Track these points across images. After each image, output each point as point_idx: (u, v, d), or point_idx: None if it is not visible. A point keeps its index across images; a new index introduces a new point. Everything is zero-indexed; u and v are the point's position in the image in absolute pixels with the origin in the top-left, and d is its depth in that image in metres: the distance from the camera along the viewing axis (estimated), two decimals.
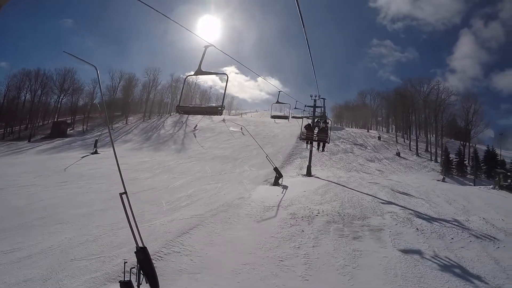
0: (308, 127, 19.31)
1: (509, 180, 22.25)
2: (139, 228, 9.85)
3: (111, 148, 38.80)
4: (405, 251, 8.16)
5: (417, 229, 10.00)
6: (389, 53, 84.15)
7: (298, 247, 8.53)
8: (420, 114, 51.75)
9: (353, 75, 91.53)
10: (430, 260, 7.91)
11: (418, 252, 8.26)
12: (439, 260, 7.91)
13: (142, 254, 4.71)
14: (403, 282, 6.85)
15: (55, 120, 53.12)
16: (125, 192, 4.65)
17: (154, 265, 7.52)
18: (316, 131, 18.76)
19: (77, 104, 48.46)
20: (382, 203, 13.18)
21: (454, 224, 10.53)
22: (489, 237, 9.53)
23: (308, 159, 24.69)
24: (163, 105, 64.70)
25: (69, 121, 53.93)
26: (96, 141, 36.65)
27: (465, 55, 71.01)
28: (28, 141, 45.35)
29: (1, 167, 23.41)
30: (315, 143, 20.77)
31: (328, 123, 18.47)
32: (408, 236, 9.43)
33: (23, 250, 8.59)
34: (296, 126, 36.97)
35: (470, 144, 44.31)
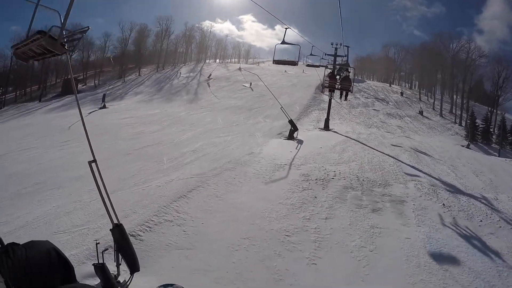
0: (331, 75, 18.74)
1: None
2: (128, 195, 8.69)
3: (122, 101, 38.23)
4: (434, 256, 6.50)
5: (443, 204, 8.64)
6: (414, 6, 74.47)
7: (309, 219, 7.32)
8: (447, 73, 47.18)
9: (374, 27, 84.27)
10: (457, 247, 6.65)
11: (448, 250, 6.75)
12: (467, 250, 6.63)
13: (118, 232, 4.15)
14: (426, 276, 5.63)
15: (66, 77, 52.60)
16: (94, 160, 3.99)
17: (142, 237, 6.69)
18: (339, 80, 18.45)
19: (88, 59, 47.26)
20: (405, 168, 11.70)
21: (483, 203, 9.10)
22: None
23: (326, 111, 22.84)
24: (178, 54, 63.07)
25: (80, 77, 53.28)
26: (104, 95, 35.77)
27: (494, 16, 61.64)
28: (39, 101, 45.28)
29: (7, 130, 23.18)
30: (336, 94, 20.37)
31: (350, 72, 17.79)
32: (434, 213, 8.10)
33: (10, 224, 7.83)
34: (314, 76, 34.51)
35: (497, 112, 40.70)
